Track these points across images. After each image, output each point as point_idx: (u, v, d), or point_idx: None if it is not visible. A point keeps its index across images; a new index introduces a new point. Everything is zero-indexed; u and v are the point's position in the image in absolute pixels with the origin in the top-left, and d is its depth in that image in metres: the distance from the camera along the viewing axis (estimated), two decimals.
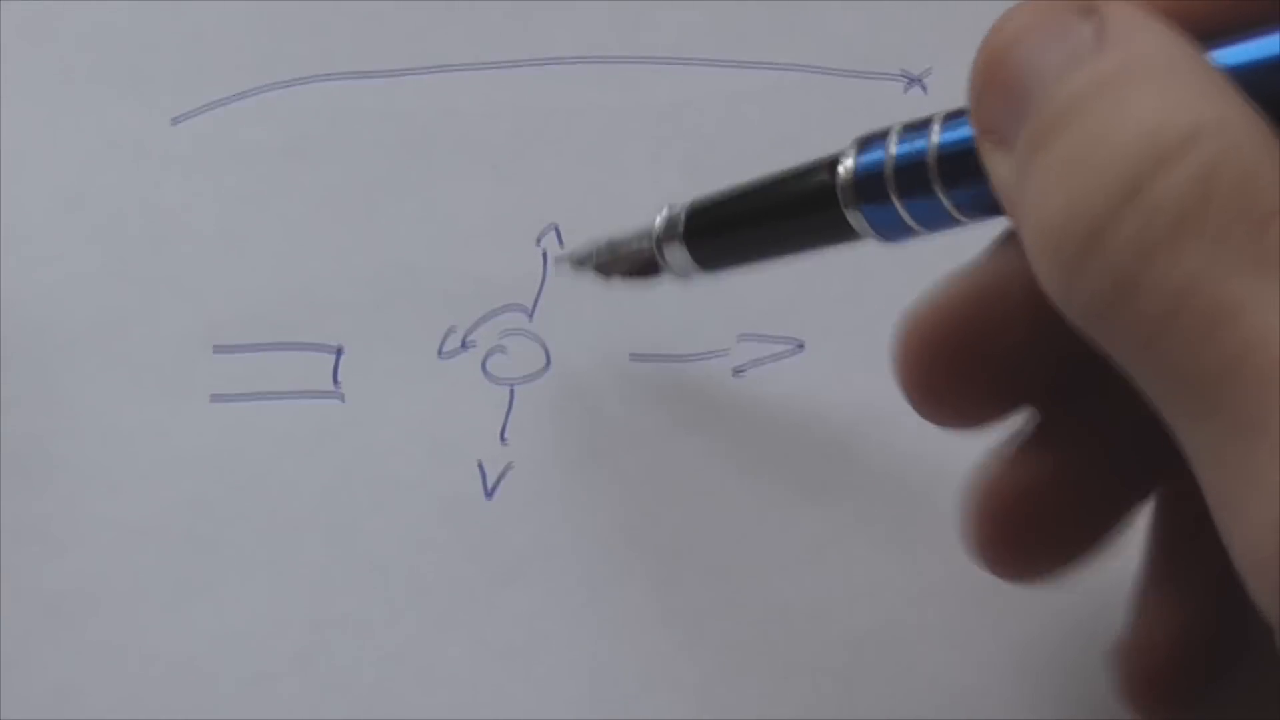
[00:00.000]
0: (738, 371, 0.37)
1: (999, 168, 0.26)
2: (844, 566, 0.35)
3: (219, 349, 0.37)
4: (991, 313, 0.29)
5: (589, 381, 0.37)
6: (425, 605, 0.34)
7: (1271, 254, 0.22)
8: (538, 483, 0.36)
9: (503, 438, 0.36)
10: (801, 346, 0.37)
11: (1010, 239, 0.30)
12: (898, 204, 0.28)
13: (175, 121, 0.40)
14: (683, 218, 0.33)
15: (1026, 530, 0.30)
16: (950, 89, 0.40)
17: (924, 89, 0.41)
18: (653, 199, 0.38)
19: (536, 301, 0.38)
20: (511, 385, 0.37)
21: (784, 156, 0.40)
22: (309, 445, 0.36)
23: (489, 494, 0.36)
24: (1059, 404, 0.30)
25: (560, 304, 0.38)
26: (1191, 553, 0.30)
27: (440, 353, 0.37)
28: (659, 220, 0.34)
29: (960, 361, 0.30)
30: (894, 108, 0.40)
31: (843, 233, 0.30)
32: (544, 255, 0.38)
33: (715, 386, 0.37)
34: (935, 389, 0.30)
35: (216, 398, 0.37)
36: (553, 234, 0.39)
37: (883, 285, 0.37)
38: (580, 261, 0.36)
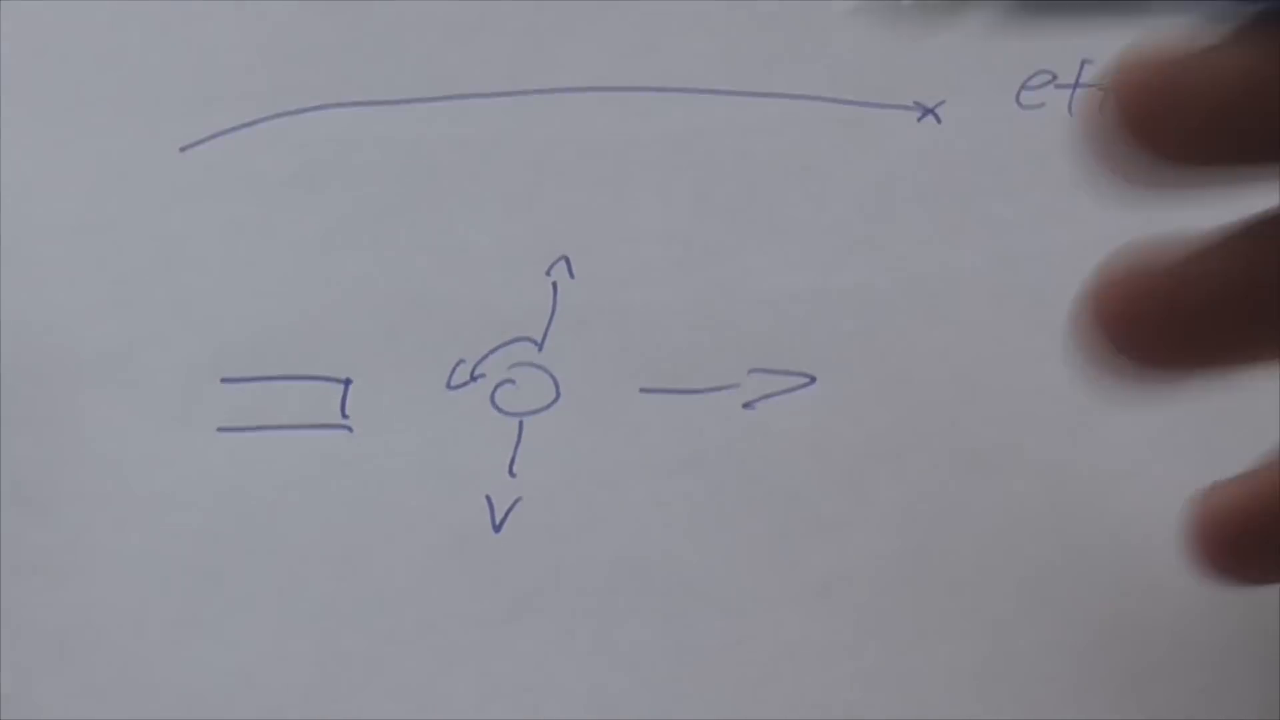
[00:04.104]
0: (748, 405, 0.37)
1: None
2: (853, 604, 0.34)
3: (226, 379, 0.37)
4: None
5: (598, 414, 0.37)
6: (432, 639, 0.34)
7: None
8: (546, 516, 0.35)
9: (511, 471, 0.36)
10: (813, 381, 0.37)
11: None
12: None
13: (184, 149, 0.40)
14: None
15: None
16: (965, 120, 0.40)
17: (938, 119, 0.41)
18: (664, 229, 0.38)
19: (546, 333, 0.38)
20: (520, 418, 0.37)
21: (797, 187, 0.40)
22: (316, 477, 0.36)
23: (497, 527, 0.35)
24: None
25: (570, 336, 0.38)
26: None
27: (449, 384, 0.37)
28: None
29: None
30: (907, 139, 0.40)
31: None
32: (554, 286, 0.38)
33: (725, 420, 0.37)
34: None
35: (224, 429, 0.36)
36: (563, 265, 0.38)
37: (895, 320, 0.37)
38: None
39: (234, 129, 0.40)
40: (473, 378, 0.37)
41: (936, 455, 0.36)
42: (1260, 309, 0.28)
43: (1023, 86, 0.40)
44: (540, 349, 0.38)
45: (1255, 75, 0.27)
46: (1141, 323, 0.28)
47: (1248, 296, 0.28)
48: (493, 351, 0.37)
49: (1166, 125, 0.27)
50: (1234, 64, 0.27)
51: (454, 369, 0.37)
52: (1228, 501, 0.29)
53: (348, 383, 0.37)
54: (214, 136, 0.40)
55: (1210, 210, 0.27)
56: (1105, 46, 0.32)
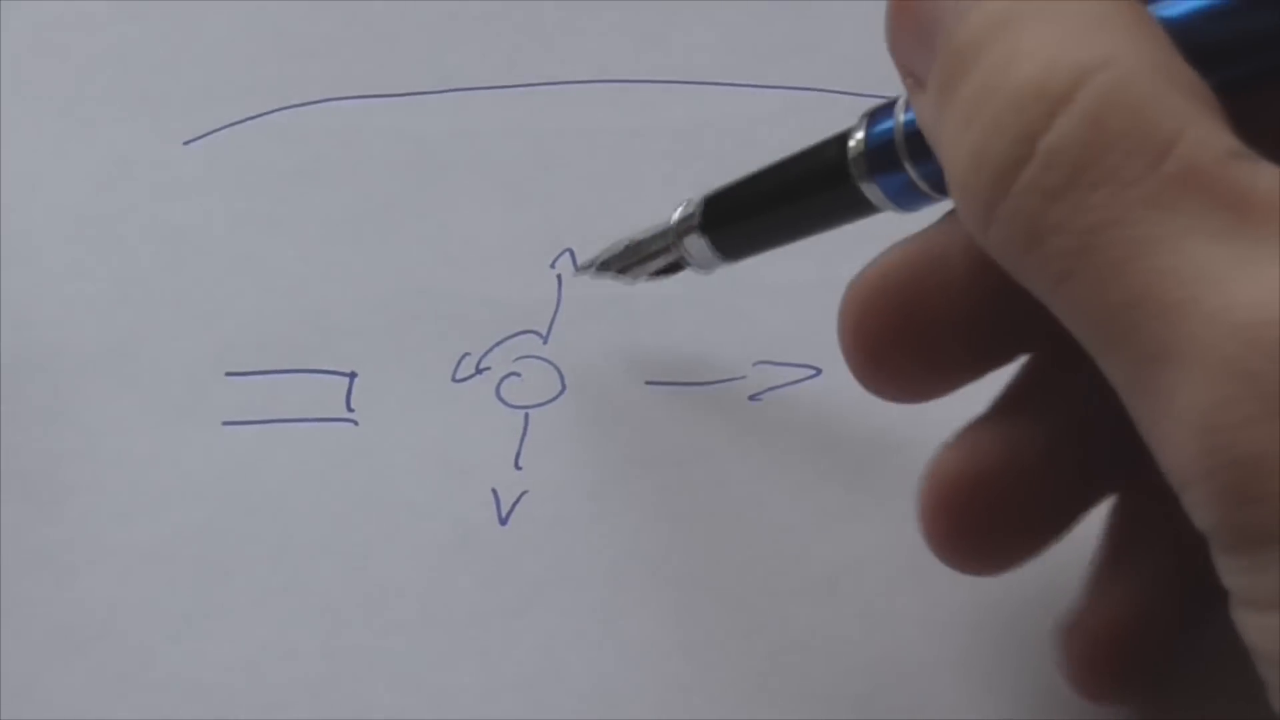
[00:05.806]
0: (754, 398, 0.37)
1: (920, 109, 0.26)
2: (860, 595, 0.34)
3: (231, 373, 0.37)
4: (935, 279, 0.30)
5: (604, 407, 0.37)
6: (438, 633, 0.34)
7: (1170, 183, 0.22)
8: (552, 509, 0.35)
9: (517, 464, 0.36)
10: (818, 372, 0.37)
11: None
12: (910, 169, 0.28)
13: (188, 143, 0.40)
14: (699, 209, 0.33)
15: (980, 518, 0.30)
16: None
17: None
18: (668, 221, 0.38)
19: (551, 326, 0.38)
20: (526, 410, 0.37)
21: None
22: (322, 470, 0.36)
23: (503, 520, 0.35)
24: (1021, 386, 0.31)
25: (575, 328, 0.38)
26: (1149, 538, 0.31)
27: (454, 378, 0.37)
28: (676, 215, 0.34)
29: (904, 327, 0.30)
30: None
31: (859, 207, 0.30)
32: (559, 279, 0.38)
33: (731, 413, 0.37)
34: (876, 355, 0.30)
35: (229, 422, 0.36)
36: (567, 257, 0.38)
37: None
38: (602, 267, 0.36)
39: (237, 122, 0.40)
40: (478, 371, 0.37)
41: None
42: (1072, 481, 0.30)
43: None
44: (545, 342, 0.38)
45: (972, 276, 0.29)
46: (974, 541, 0.31)
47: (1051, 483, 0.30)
48: (498, 344, 0.37)
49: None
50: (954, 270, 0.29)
51: (459, 362, 0.37)
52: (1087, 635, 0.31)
53: (353, 376, 0.37)
54: (217, 130, 0.40)
55: None
56: None
